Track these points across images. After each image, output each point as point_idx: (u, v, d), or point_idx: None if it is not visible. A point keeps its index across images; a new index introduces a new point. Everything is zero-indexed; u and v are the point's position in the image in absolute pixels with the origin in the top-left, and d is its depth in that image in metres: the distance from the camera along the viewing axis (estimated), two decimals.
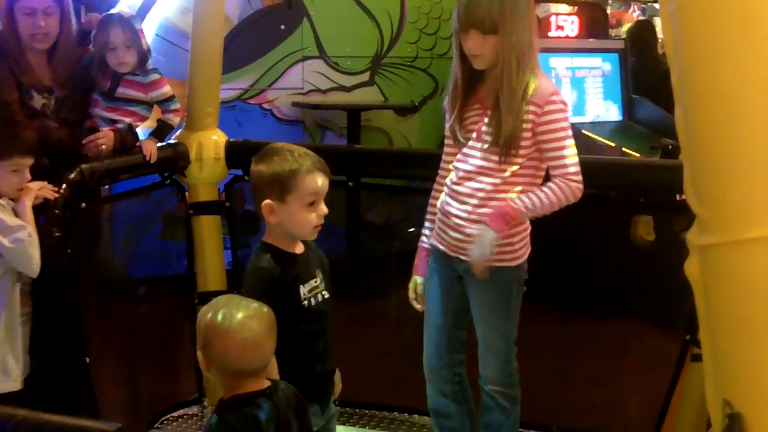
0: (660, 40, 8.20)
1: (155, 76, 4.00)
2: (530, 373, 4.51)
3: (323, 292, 2.91)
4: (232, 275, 4.52)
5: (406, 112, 7.20)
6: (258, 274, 2.79)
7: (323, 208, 2.84)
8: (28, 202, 3.36)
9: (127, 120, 3.95)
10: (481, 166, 3.26)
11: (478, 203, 3.25)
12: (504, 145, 3.18)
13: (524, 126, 3.19)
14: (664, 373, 3.89)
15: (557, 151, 3.20)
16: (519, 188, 3.23)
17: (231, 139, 4.38)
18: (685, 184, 1.81)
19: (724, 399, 1.67)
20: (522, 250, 3.35)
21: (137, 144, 3.97)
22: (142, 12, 6.00)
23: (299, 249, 2.90)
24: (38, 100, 3.79)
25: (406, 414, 4.39)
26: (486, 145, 3.24)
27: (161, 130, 4.06)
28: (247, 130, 6.34)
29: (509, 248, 3.29)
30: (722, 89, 1.61)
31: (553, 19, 6.81)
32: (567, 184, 3.19)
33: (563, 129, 3.21)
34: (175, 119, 4.09)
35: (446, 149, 3.47)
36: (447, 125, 3.39)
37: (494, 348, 3.45)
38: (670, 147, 5.76)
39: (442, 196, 3.40)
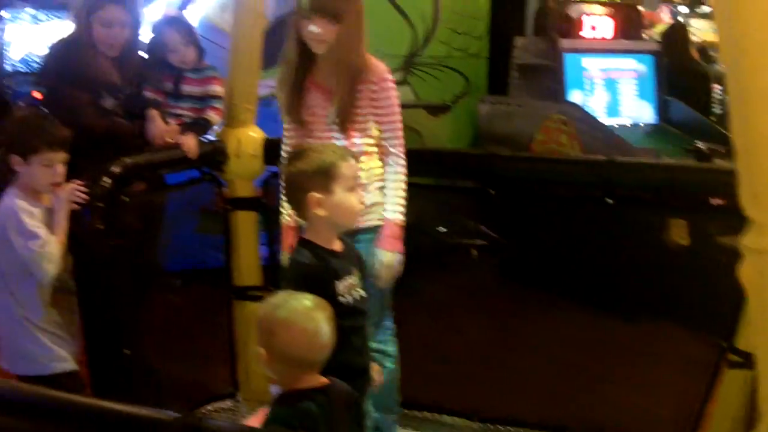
0: (694, 43, 8.17)
1: (211, 73, 4.22)
2: (562, 375, 4.53)
3: (359, 290, 2.95)
4: (268, 271, 4.54)
5: (438, 111, 7.21)
6: (297, 269, 2.86)
7: (362, 193, 2.97)
8: (65, 204, 3.42)
9: (192, 115, 4.15)
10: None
11: None
12: (341, 122, 3.47)
13: (360, 104, 3.47)
14: (697, 379, 3.88)
15: (392, 123, 3.51)
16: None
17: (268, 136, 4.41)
18: (740, 188, 1.80)
19: None
20: None
21: (176, 140, 4.04)
22: (181, 9, 6.04)
23: (337, 246, 2.95)
24: (108, 101, 3.95)
25: (435, 414, 4.37)
26: (329, 123, 3.50)
27: (201, 127, 4.16)
28: (282, 127, 6.34)
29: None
30: None
31: (586, 19, 6.79)
32: (401, 163, 3.53)
33: (396, 105, 3.53)
34: (215, 117, 4.21)
35: (288, 129, 3.70)
36: (284, 107, 3.61)
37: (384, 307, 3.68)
38: (704, 150, 5.74)
39: None
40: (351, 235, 3.38)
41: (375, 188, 3.52)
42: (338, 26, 3.41)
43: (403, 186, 3.54)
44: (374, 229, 3.52)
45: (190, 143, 4.03)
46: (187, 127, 4.11)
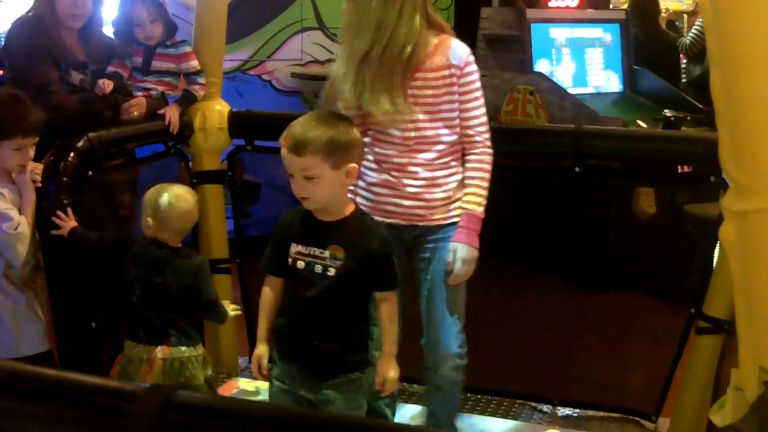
0: (663, 11, 8.17)
1: (187, 49, 4.17)
2: (534, 347, 4.53)
3: (326, 268, 2.80)
4: (233, 244, 4.52)
5: None
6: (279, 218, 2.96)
7: None
8: (29, 183, 3.42)
9: (160, 88, 4.14)
10: (421, 137, 3.22)
11: (426, 170, 3.22)
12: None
13: (449, 90, 3.19)
14: (668, 347, 3.89)
15: (475, 110, 3.22)
16: (453, 156, 3.24)
17: (234, 109, 4.38)
18: (720, 150, 1.79)
19: (760, 366, 1.66)
20: None
21: (161, 111, 4.07)
22: None
23: (329, 217, 2.84)
24: (76, 76, 3.92)
25: (404, 384, 4.28)
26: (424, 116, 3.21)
27: (186, 100, 4.19)
28: (248, 100, 6.32)
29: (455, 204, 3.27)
30: (766, 51, 1.58)
31: None
32: (489, 153, 3.24)
33: (479, 89, 3.23)
34: (200, 92, 4.22)
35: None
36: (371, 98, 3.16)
37: (459, 309, 3.36)
38: (672, 118, 5.75)
39: (371, 172, 3.30)
40: (428, 233, 3.24)
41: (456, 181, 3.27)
42: None
43: (488, 181, 3.24)
44: (454, 226, 3.26)
45: (173, 115, 4.06)
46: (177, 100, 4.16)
